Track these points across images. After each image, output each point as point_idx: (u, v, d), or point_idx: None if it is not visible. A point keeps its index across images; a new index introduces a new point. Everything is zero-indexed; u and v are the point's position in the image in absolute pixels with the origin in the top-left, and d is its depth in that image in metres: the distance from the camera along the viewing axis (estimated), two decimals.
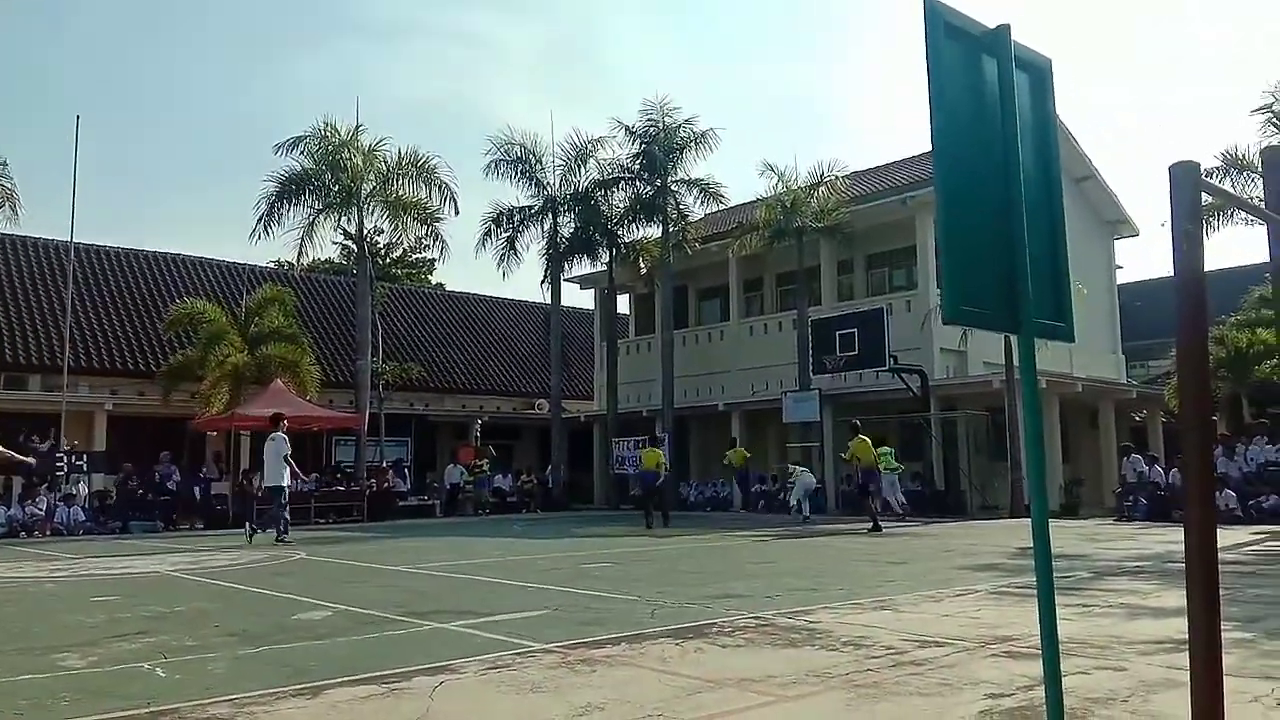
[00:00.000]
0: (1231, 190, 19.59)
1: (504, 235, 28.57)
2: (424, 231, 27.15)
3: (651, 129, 27.29)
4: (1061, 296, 2.70)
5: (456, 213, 26.79)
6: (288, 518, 15.46)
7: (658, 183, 27.40)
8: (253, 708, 4.18)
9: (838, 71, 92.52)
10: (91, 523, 19.54)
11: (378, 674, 4.78)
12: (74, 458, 20.37)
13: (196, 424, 22.66)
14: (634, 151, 27.66)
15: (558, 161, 28.29)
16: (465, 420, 29.46)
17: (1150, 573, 9.15)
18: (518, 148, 28.10)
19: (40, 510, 19.21)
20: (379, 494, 23.48)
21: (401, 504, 24.21)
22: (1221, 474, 17.08)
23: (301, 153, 25.00)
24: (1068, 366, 22.56)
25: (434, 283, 45.93)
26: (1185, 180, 2.41)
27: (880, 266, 26.70)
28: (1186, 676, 2.33)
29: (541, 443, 29.88)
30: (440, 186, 26.30)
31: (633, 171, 27.90)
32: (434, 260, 41.81)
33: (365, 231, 26.30)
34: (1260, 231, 20.41)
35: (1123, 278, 30.64)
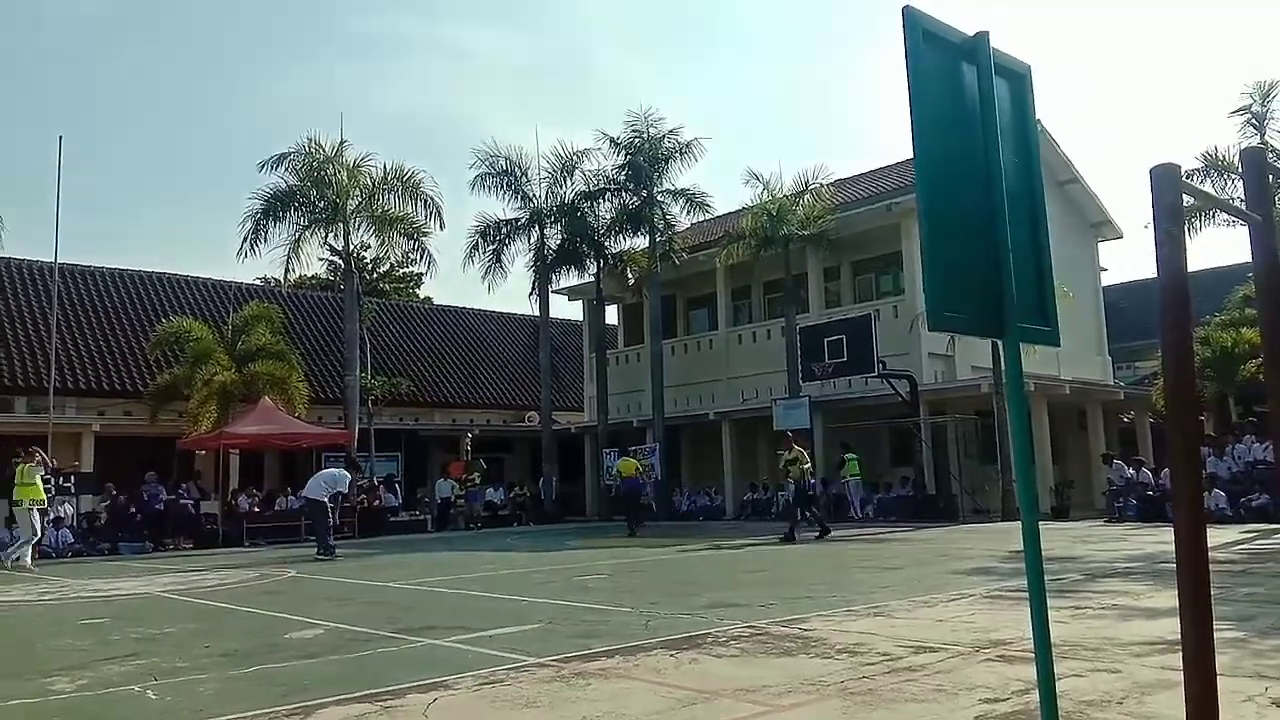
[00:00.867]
0: (1213, 191, 19.77)
1: (491, 248, 28.57)
2: (410, 246, 27.16)
3: (636, 140, 27.37)
4: (1046, 301, 2.72)
5: (442, 227, 26.82)
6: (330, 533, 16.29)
7: (644, 193, 27.47)
8: None
9: (821, 77, 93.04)
10: (80, 544, 19.37)
11: (371, 692, 4.75)
12: (61, 479, 20.20)
13: (184, 443, 22.53)
14: (619, 163, 27.74)
15: (543, 174, 28.36)
16: (455, 434, 29.39)
17: (1142, 574, 9.18)
18: (503, 160, 28.15)
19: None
20: (369, 510, 23.38)
21: (393, 520, 24.10)
22: (1211, 473, 17.16)
23: (286, 169, 24.99)
24: (1055, 369, 22.65)
25: (422, 297, 45.88)
26: (1166, 183, 2.43)
27: (867, 273, 26.80)
28: (1180, 677, 2.33)
29: (532, 455, 29.82)
30: (426, 201, 26.33)
31: (618, 183, 27.96)
32: (421, 274, 41.81)
33: (352, 247, 26.28)
34: (1243, 231, 20.56)
35: (1108, 279, 30.84)
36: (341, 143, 25.58)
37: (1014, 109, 2.76)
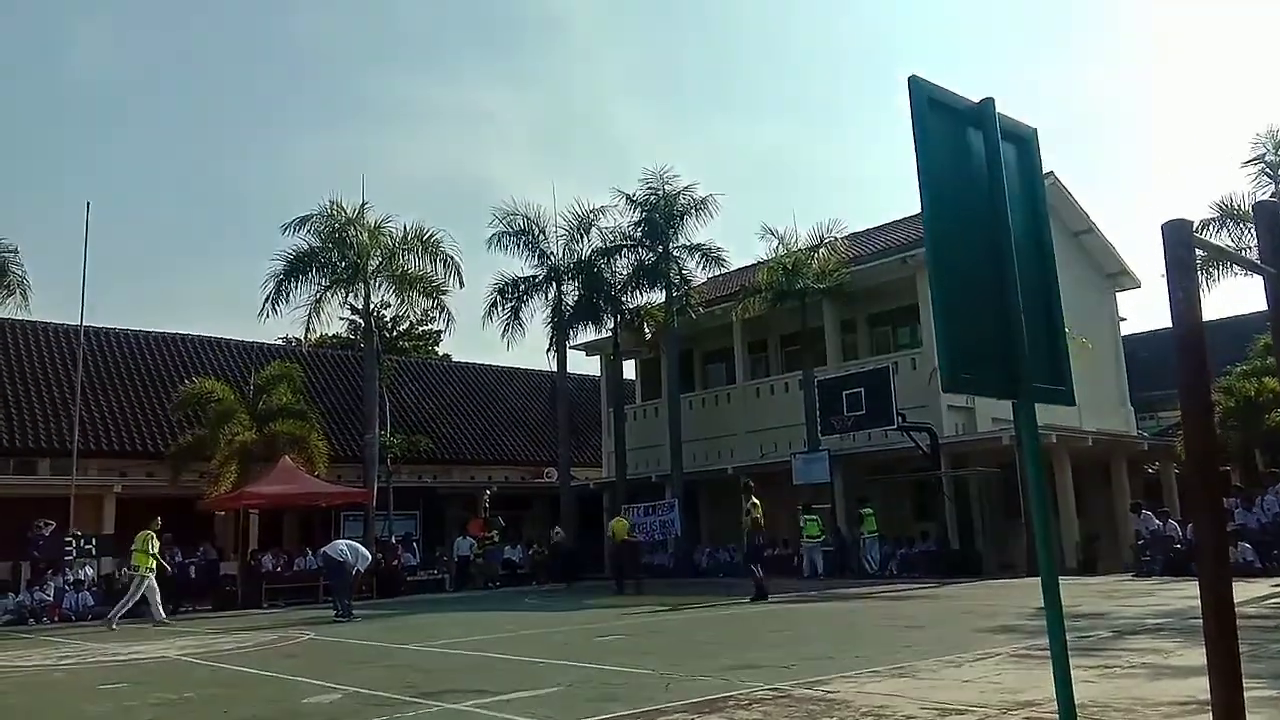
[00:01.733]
0: (1230, 241, 19.73)
1: (509, 305, 28.82)
2: (430, 304, 27.41)
3: (652, 197, 27.71)
4: (1059, 361, 2.73)
5: (461, 285, 27.09)
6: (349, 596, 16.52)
7: (660, 249, 27.72)
8: None
9: (835, 133, 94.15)
10: (100, 607, 19.35)
11: None
12: (83, 541, 20.28)
13: (205, 504, 22.60)
14: (635, 219, 28.05)
15: (560, 231, 28.69)
16: (474, 491, 29.30)
17: (1171, 630, 8.98)
18: (520, 219, 28.52)
19: (48, 595, 19.07)
20: (387, 570, 23.26)
21: (410, 579, 23.97)
22: (1239, 525, 16.85)
23: (309, 231, 25.40)
24: (1077, 421, 22.43)
25: (440, 354, 46.18)
26: (1177, 238, 2.45)
27: (884, 325, 26.80)
28: None
29: (551, 512, 29.67)
30: (445, 260, 26.65)
31: (635, 239, 28.25)
32: (440, 332, 42.17)
33: (372, 306, 26.59)
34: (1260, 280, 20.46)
35: (1127, 329, 30.66)
36: (363, 204, 26.04)
37: (1021, 172, 2.80)
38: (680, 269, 27.87)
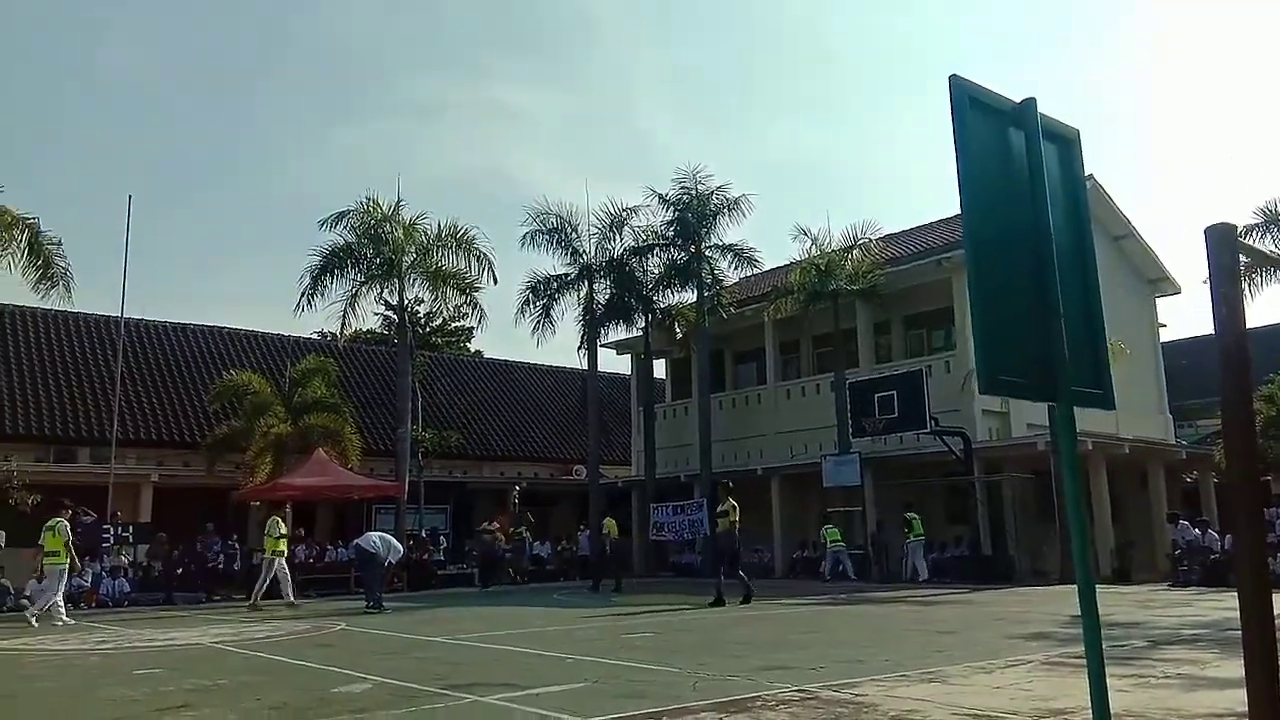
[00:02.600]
0: (1273, 248, 19.34)
1: (540, 303, 28.92)
2: (462, 300, 27.58)
3: (685, 196, 27.66)
4: (1100, 364, 2.69)
5: (495, 282, 27.21)
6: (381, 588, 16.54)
7: (692, 248, 27.68)
8: None
9: (869, 133, 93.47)
10: (136, 593, 19.70)
11: None
12: (120, 529, 20.64)
13: (240, 494, 22.92)
14: (668, 219, 28.02)
15: (593, 230, 28.75)
16: (503, 487, 29.47)
17: (1208, 641, 8.83)
18: (553, 218, 28.60)
19: (86, 582, 19.41)
20: (418, 563, 23.46)
21: (440, 573, 24.14)
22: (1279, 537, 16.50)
23: (345, 227, 25.64)
24: (1114, 427, 22.10)
25: (472, 350, 46.45)
26: (1221, 243, 2.41)
27: (918, 328, 26.57)
28: None
29: (579, 509, 29.75)
30: (478, 257, 26.79)
31: (667, 238, 28.23)
32: (473, 328, 42.40)
33: (406, 302, 26.81)
34: None
35: (1167, 335, 30.15)
36: (398, 202, 26.24)
37: (1063, 173, 2.77)
38: (712, 269, 27.82)
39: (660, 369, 32.88)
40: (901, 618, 12.46)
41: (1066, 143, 2.76)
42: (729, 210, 27.66)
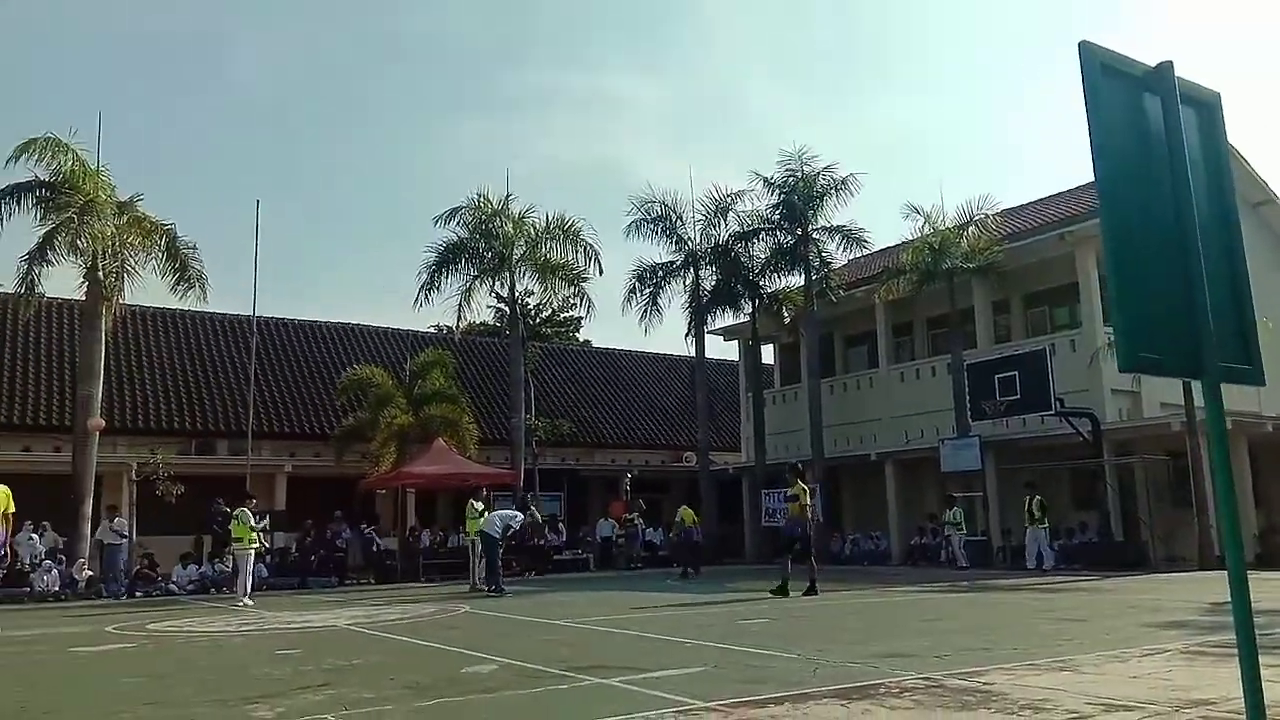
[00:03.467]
0: None
1: (647, 291, 29.07)
2: (571, 291, 28.03)
3: (790, 179, 27.32)
4: (1247, 338, 2.55)
5: (601, 272, 27.57)
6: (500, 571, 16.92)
7: (799, 231, 27.33)
8: None
9: (980, 106, 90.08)
10: (273, 578, 20.80)
11: None
12: (257, 517, 21.82)
13: (366, 483, 23.92)
14: (773, 202, 27.73)
15: (698, 216, 28.72)
16: (615, 474, 29.83)
17: None
18: (658, 205, 28.68)
19: (227, 566, 20.61)
20: (535, 549, 24.01)
21: (556, 558, 24.64)
22: None
23: (458, 223, 26.37)
24: (1256, 405, 20.80)
25: (581, 340, 47.09)
26: None
27: (1039, 305, 25.55)
28: None
29: (690, 495, 29.85)
30: (585, 248, 27.15)
31: (773, 222, 27.95)
32: (580, 318, 43.01)
33: (517, 294, 27.39)
34: None
35: None
36: (507, 196, 26.84)
37: (1203, 138, 2.63)
38: (820, 251, 27.42)
39: (768, 354, 32.64)
40: (1027, 605, 12.07)
41: (1206, 107, 2.62)
42: (836, 191, 27.19)
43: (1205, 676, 5.93)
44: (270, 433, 26.38)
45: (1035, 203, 28.96)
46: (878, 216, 78.46)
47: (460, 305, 26.27)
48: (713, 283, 28.71)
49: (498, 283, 26.97)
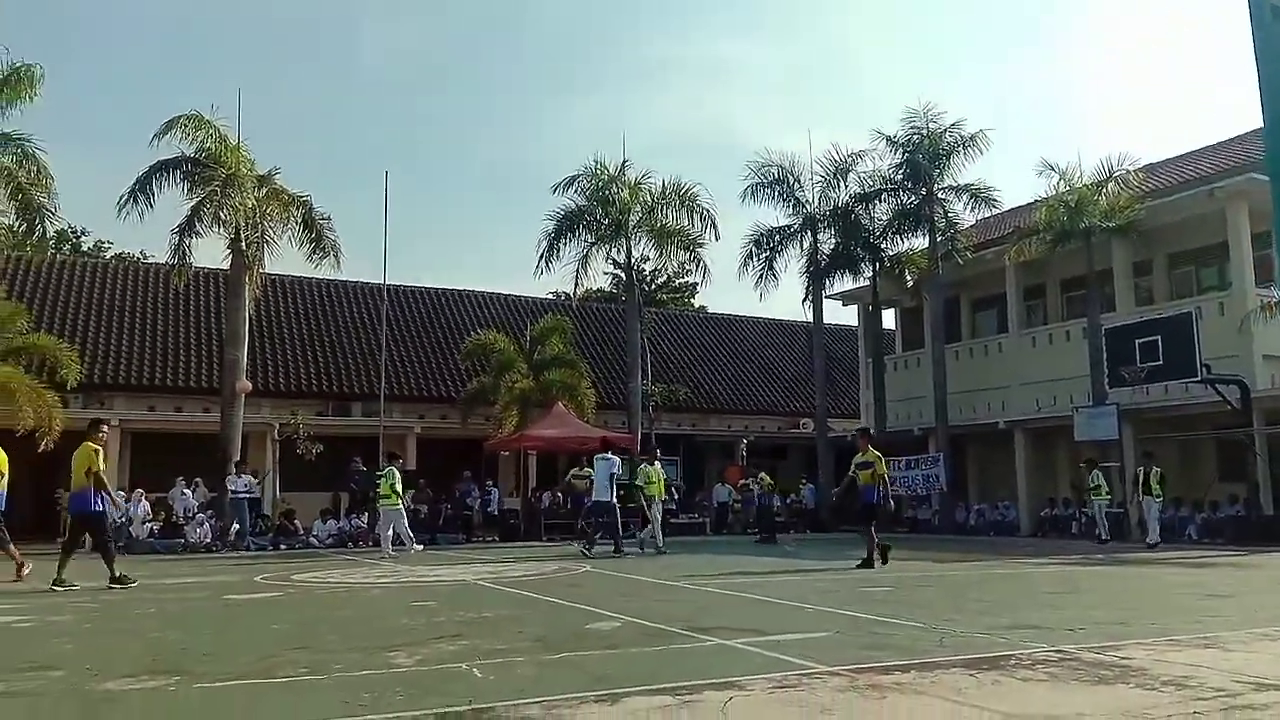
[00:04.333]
0: None
1: (763, 256, 28.75)
2: (686, 257, 28.00)
3: (914, 137, 26.44)
4: None
5: (717, 238, 27.44)
6: (619, 532, 16.61)
7: (923, 191, 26.48)
8: (560, 710, 4.48)
9: (1111, 60, 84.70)
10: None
11: (670, 686, 4.97)
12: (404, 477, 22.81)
13: (490, 445, 24.69)
14: (896, 161, 26.95)
15: (816, 179, 28.17)
16: (731, 440, 29.82)
17: None
18: (775, 169, 28.27)
19: (363, 523, 21.66)
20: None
21: (673, 521, 24.85)
22: None
23: (575, 191, 26.66)
24: None
25: (696, 306, 47.05)
26: None
27: (1184, 266, 24.04)
28: None
29: (807, 462, 29.61)
30: (701, 214, 27.03)
31: (895, 182, 27.16)
32: (696, 284, 42.96)
33: (633, 260, 27.55)
34: None
35: None
36: (624, 163, 26.95)
37: None
38: (945, 211, 26.54)
39: (890, 319, 31.88)
40: (1168, 580, 11.53)
41: None
42: (963, 148, 26.21)
43: None
44: (400, 395, 27.48)
45: (1177, 158, 27.21)
46: (1008, 176, 75.08)
47: (578, 272, 26.66)
48: (831, 246, 28.19)
49: (614, 249, 27.20)
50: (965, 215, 26.98)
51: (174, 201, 21.95)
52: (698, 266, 28.09)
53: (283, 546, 20.21)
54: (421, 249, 68.76)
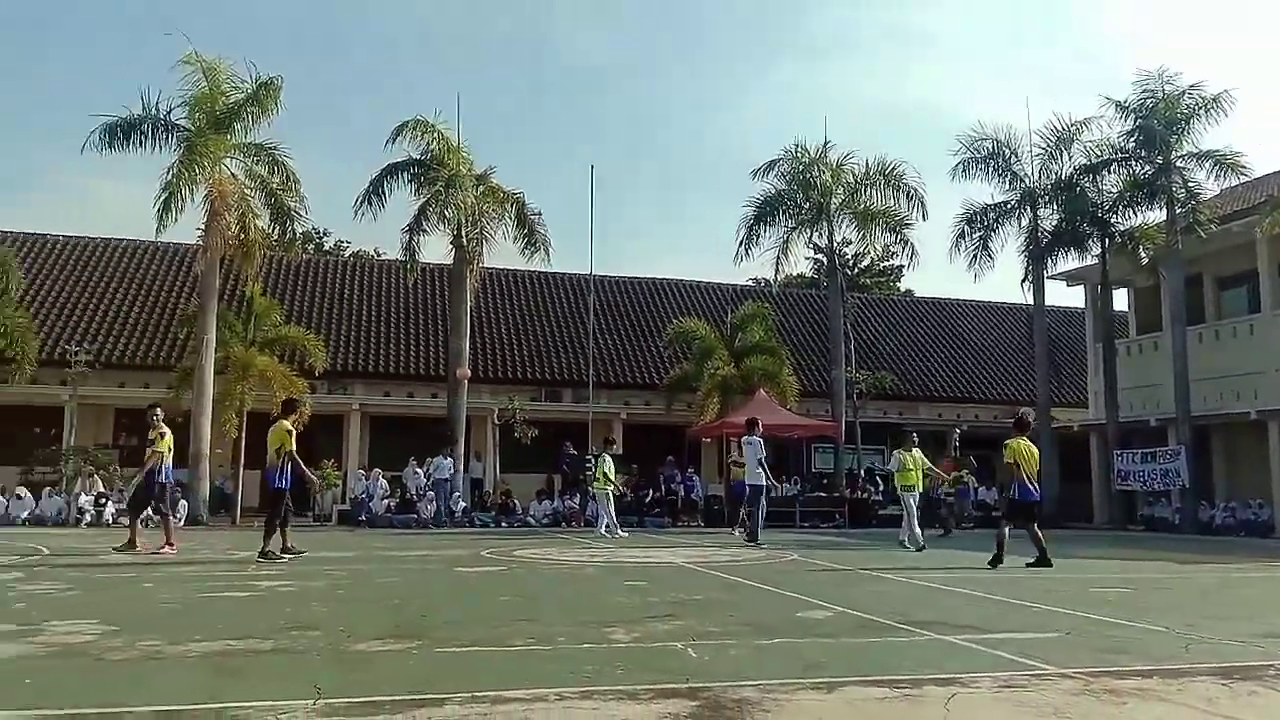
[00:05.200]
0: None
1: (977, 236, 27.39)
2: (892, 239, 27.16)
3: (1149, 101, 24.31)
4: None
5: (925, 218, 26.42)
6: (759, 519, 15.85)
7: (1158, 160, 24.32)
8: (776, 694, 4.51)
9: None
10: (617, 515, 22.47)
11: (887, 677, 4.90)
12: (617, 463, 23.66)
13: (693, 431, 25.05)
14: (1126, 129, 24.89)
15: (1035, 151, 26.48)
16: (942, 429, 28.66)
17: None
18: (988, 143, 26.83)
19: (575, 504, 22.60)
20: (858, 501, 23.85)
21: (881, 512, 24.28)
22: None
23: (775, 175, 26.48)
24: None
25: (902, 290, 45.48)
26: None
27: None
28: None
29: None
30: (908, 192, 26.13)
31: (1126, 151, 25.12)
32: (901, 267, 41.53)
33: (835, 244, 27.04)
34: None
35: None
36: (825, 144, 26.50)
37: None
38: (1185, 181, 24.23)
39: (1121, 300, 29.52)
40: None
41: None
42: (1205, 111, 23.85)
43: None
44: (607, 382, 28.38)
45: None
46: (1259, 140, 67.35)
47: (778, 258, 26.49)
48: (1053, 223, 26.45)
49: (815, 233, 26.81)
50: (1208, 184, 24.62)
51: (403, 202, 23.76)
52: (904, 248, 27.21)
53: (503, 524, 21.44)
54: (623, 238, 70.48)
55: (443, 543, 15.81)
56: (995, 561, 11.63)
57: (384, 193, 23.54)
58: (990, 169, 26.93)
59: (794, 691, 4.58)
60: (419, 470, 22.62)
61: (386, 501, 21.96)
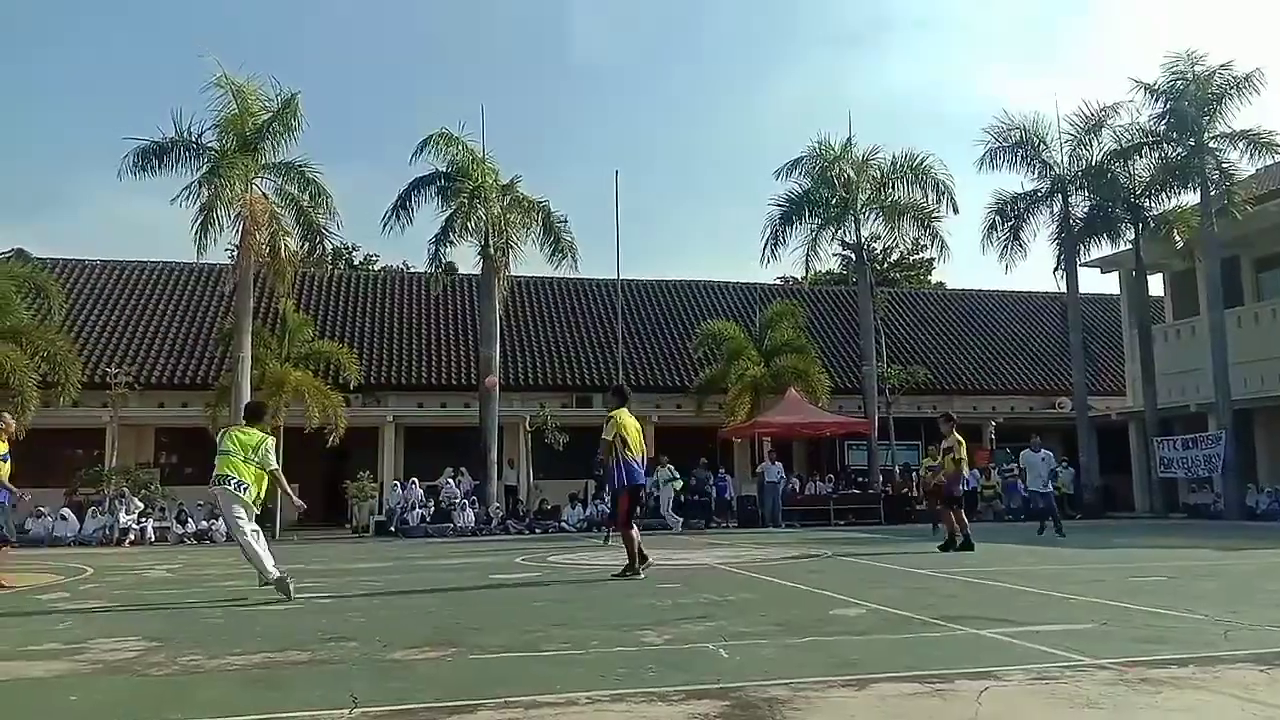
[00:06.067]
0: None
1: (1007, 225, 27.10)
2: (921, 232, 26.96)
3: (1179, 83, 23.93)
4: None
5: (955, 210, 26.22)
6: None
7: (1190, 142, 23.93)
8: (808, 693, 4.52)
9: None
10: (644, 519, 22.54)
11: (919, 673, 4.88)
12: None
13: (724, 432, 25.01)
14: (1157, 112, 24.52)
15: (1065, 137, 26.16)
16: (978, 422, 28.39)
17: None
18: (1017, 131, 26.54)
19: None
20: (894, 497, 23.69)
21: (918, 509, 24.08)
22: None
23: (800, 173, 26.40)
24: None
25: (933, 283, 45.11)
26: None
27: None
28: None
29: (1066, 445, 27.62)
30: (936, 185, 25.93)
31: (1157, 134, 24.74)
32: (931, 260, 41.20)
33: (862, 240, 26.88)
34: None
35: None
36: (849, 139, 26.38)
37: None
38: (1219, 162, 23.81)
39: (1157, 285, 29.07)
40: None
41: None
42: (1237, 91, 23.40)
43: None
44: (637, 386, 28.36)
45: None
46: None
47: (806, 256, 26.42)
48: (1085, 209, 26.11)
49: (843, 229, 26.68)
50: (1243, 165, 24.18)
51: (429, 214, 24.00)
52: (933, 241, 27.01)
53: (538, 531, 21.55)
54: (649, 241, 70.57)
55: (479, 551, 15.93)
56: (960, 546, 12.85)
57: (411, 206, 23.81)
58: (1019, 158, 26.68)
59: (825, 689, 4.59)
60: (451, 481, 22.83)
61: (421, 511, 22.18)
